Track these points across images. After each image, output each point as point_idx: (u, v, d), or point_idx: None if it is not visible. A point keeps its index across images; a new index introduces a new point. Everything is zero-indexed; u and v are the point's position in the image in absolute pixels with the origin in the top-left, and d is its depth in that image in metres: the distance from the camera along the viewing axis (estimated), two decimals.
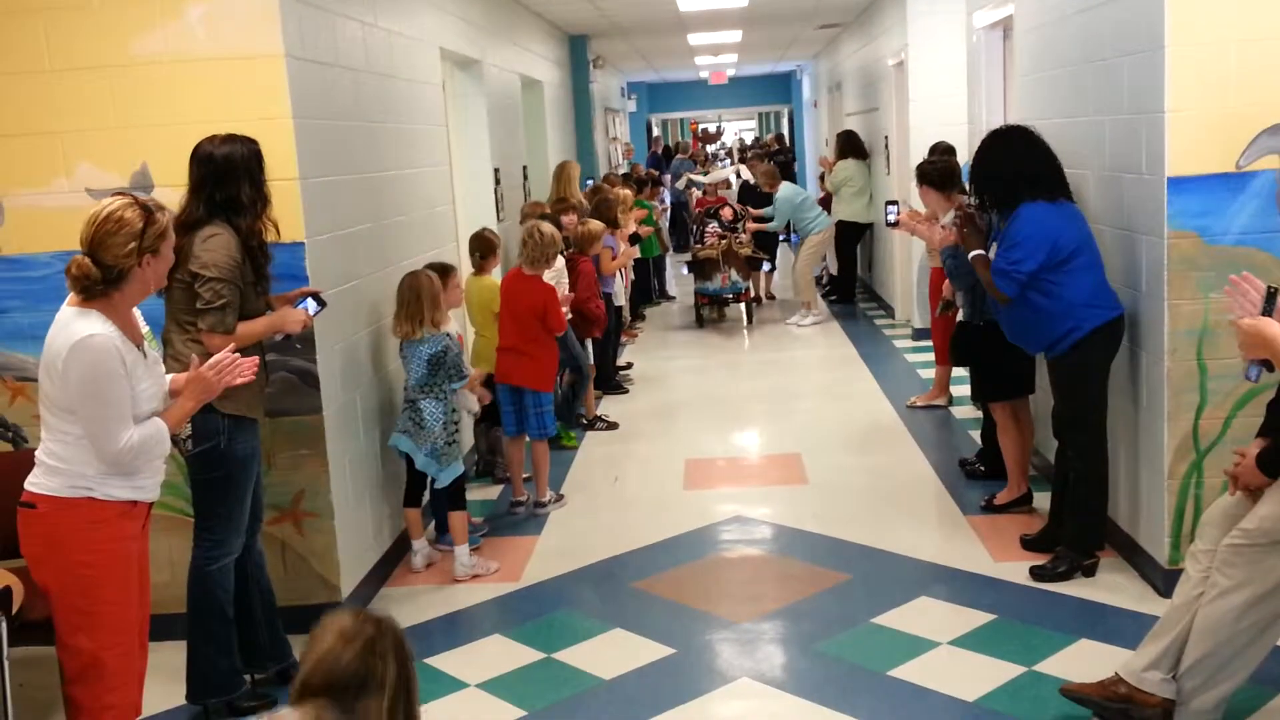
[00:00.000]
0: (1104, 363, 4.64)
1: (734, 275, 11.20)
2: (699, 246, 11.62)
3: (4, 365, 4.59)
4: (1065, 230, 4.56)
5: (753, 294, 11.83)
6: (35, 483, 3.18)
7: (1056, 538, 4.86)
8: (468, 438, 6.46)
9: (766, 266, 12.04)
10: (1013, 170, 4.68)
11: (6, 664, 3.11)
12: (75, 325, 3.06)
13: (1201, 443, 4.35)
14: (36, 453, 3.22)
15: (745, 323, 11.37)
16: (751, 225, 11.60)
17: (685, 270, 12.04)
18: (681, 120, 32.40)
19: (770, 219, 11.58)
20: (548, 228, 6.05)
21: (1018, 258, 4.54)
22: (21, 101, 4.38)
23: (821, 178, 14.02)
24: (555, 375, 6.08)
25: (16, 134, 4.40)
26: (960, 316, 5.75)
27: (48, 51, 4.34)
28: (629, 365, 9.23)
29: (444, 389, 5.09)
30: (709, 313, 11.58)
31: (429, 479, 5.27)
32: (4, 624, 3.04)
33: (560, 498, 6.19)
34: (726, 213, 11.78)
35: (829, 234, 11.52)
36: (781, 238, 12.81)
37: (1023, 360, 5.29)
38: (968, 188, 5.12)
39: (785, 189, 11.46)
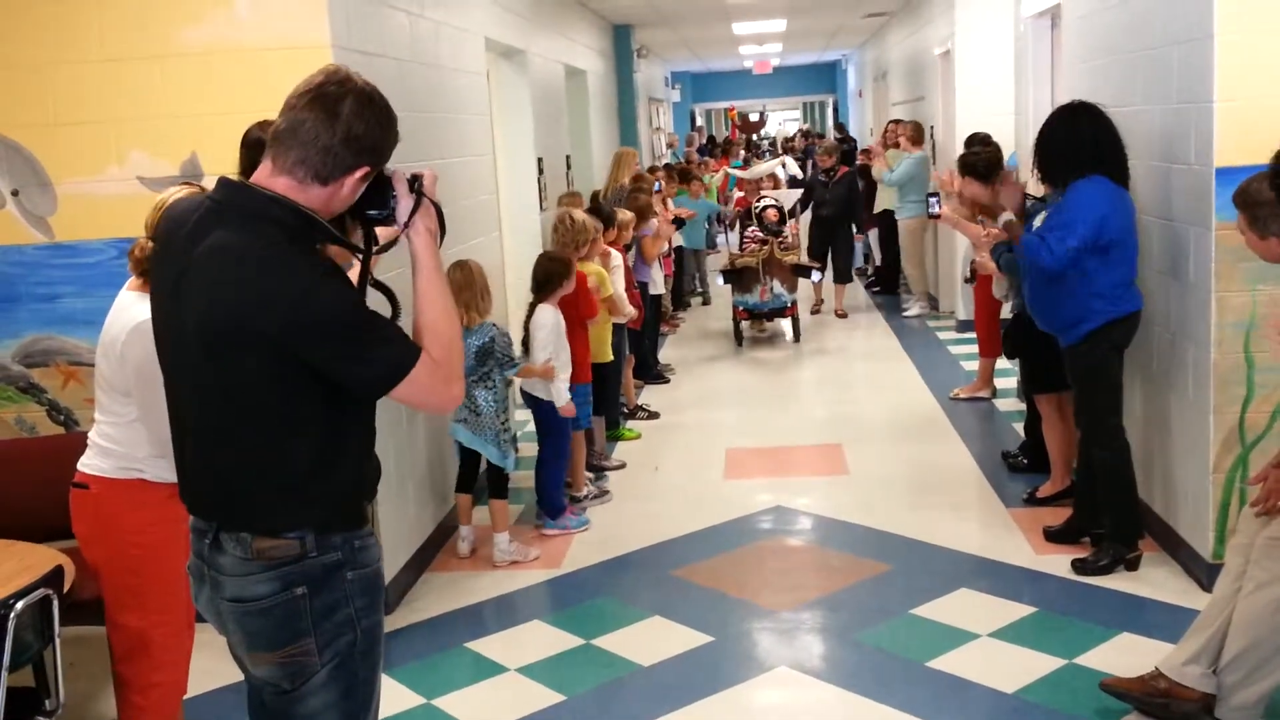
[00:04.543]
0: (1117, 354, 4.60)
1: (776, 287, 9.72)
2: (736, 253, 10.25)
3: (57, 350, 4.68)
4: (1115, 216, 4.46)
5: (815, 307, 11.13)
6: (88, 463, 3.26)
7: (1081, 528, 4.84)
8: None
9: (816, 276, 10.53)
10: (1076, 145, 4.55)
11: (58, 641, 3.18)
12: (136, 309, 3.12)
13: (1247, 436, 4.30)
14: (90, 434, 3.29)
15: (792, 340, 10.09)
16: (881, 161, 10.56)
17: (721, 281, 10.44)
18: (723, 109, 32.33)
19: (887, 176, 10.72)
20: (579, 214, 6.03)
21: (1064, 234, 4.43)
22: (74, 90, 4.47)
23: (868, 167, 13.84)
24: (589, 364, 6.05)
25: (69, 122, 4.49)
26: (1010, 309, 5.69)
27: (100, 41, 4.43)
28: (668, 365, 9.17)
29: (494, 377, 5.14)
30: (750, 329, 10.31)
31: (480, 463, 5.31)
32: (56, 601, 3.11)
33: (604, 493, 6.11)
34: (771, 214, 10.25)
35: (922, 222, 10.66)
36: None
37: None
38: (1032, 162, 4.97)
39: (920, 155, 10.66)
